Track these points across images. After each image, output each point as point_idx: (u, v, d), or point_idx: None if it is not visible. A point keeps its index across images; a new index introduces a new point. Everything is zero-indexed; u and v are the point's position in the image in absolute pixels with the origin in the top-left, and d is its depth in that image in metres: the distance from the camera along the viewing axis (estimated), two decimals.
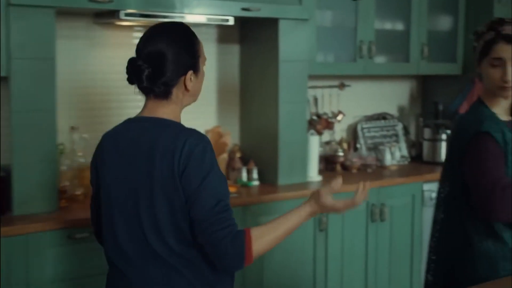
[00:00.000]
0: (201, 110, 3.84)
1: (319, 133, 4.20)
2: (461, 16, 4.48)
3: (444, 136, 4.45)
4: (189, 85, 1.91)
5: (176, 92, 1.91)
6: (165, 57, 1.86)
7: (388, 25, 4.24)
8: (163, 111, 1.91)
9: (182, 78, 1.90)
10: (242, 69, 3.94)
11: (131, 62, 1.90)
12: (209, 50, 3.83)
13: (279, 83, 3.62)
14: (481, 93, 2.29)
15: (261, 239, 1.83)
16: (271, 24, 3.62)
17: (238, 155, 3.84)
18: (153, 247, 1.85)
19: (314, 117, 4.21)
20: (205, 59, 1.99)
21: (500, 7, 4.39)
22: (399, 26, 4.29)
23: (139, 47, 1.92)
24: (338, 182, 2.00)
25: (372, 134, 4.50)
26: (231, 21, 3.42)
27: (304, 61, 3.70)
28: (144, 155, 1.86)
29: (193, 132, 1.88)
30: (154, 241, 1.85)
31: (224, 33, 3.89)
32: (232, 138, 3.90)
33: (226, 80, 3.92)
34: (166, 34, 1.91)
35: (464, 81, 4.49)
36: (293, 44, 3.64)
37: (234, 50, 3.93)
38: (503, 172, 2.09)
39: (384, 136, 4.55)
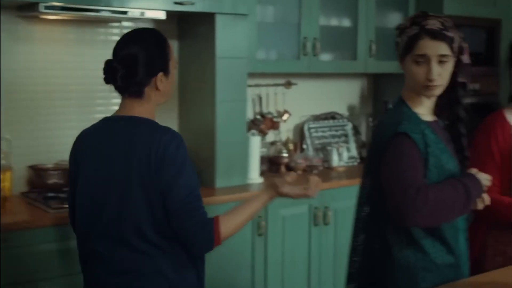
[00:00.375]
0: None
1: (264, 133, 4.05)
2: (411, 12, 4.33)
3: None
4: (160, 85, 2.07)
5: (149, 91, 2.07)
6: (137, 60, 2.04)
7: (334, 21, 4.09)
8: (138, 109, 2.07)
9: (154, 79, 2.06)
10: (180, 66, 3.75)
11: (107, 63, 2.08)
12: None
13: (216, 81, 3.46)
14: (403, 92, 2.14)
15: (228, 224, 2.04)
16: (208, 19, 3.46)
17: None
18: (126, 237, 2.01)
19: (258, 117, 4.06)
20: (175, 61, 2.16)
21: (450, 3, 4.27)
22: (346, 23, 4.14)
23: (115, 50, 2.09)
24: (292, 176, 2.19)
25: (320, 134, 4.36)
26: (163, 16, 3.26)
27: (244, 58, 3.54)
28: (121, 152, 2.02)
29: (167, 130, 2.04)
30: (128, 231, 2.01)
31: (161, 29, 3.63)
32: None
33: None
34: (140, 39, 2.09)
35: None
36: (231, 40, 3.49)
37: (172, 46, 3.75)
38: (420, 175, 1.94)
39: (333, 136, 4.41)
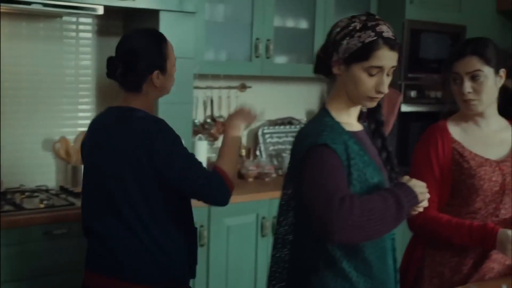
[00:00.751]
0: (78, 109, 3.48)
1: (214, 137, 3.87)
2: None
3: None
4: (156, 82, 2.23)
5: (146, 87, 2.24)
6: (135, 59, 2.19)
7: (290, 23, 3.92)
8: (135, 102, 2.24)
9: (150, 76, 2.22)
10: None
11: (109, 60, 2.25)
12: (87, 43, 3.49)
13: None
14: (329, 99, 1.95)
15: (227, 165, 2.24)
16: (152, 16, 3.27)
17: None
18: (120, 217, 2.19)
19: (209, 120, 3.88)
20: (174, 59, 2.31)
21: (412, 8, 4.13)
22: (303, 24, 3.97)
23: (117, 48, 2.26)
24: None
25: (275, 140, 4.18)
26: (101, 11, 3.06)
27: (190, 59, 3.35)
28: (114, 139, 2.20)
29: (155, 121, 2.20)
30: (123, 212, 2.18)
31: (105, 25, 3.53)
32: None
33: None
34: (138, 39, 2.25)
35: None
36: (176, 39, 3.20)
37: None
38: (344, 184, 1.74)
39: (289, 143, 4.23)
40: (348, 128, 1.87)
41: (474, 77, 2.16)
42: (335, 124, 1.84)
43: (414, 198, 1.79)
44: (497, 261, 2.20)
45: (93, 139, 2.31)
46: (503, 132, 2.28)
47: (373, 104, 1.89)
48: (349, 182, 1.76)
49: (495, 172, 2.17)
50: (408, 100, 4.20)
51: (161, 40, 2.28)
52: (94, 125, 2.35)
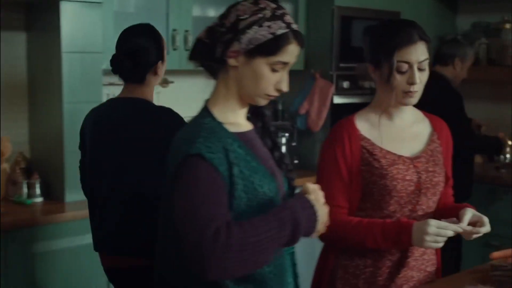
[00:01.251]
0: None
1: None
2: (301, 4, 3.98)
3: (284, 140, 3.96)
4: (159, 71, 2.39)
5: (149, 77, 2.38)
6: (142, 53, 2.34)
7: (210, 12, 3.67)
8: (138, 92, 2.37)
9: (154, 66, 2.37)
10: (29, 61, 3.30)
11: (113, 57, 2.37)
12: None
13: (62, 78, 3.02)
14: (212, 96, 1.71)
15: None
16: (53, 7, 3.00)
17: (22, 165, 3.19)
18: (127, 198, 2.30)
19: None
20: (166, 48, 2.45)
21: None
22: None
23: (119, 44, 2.40)
24: None
25: None
26: None
27: (97, 53, 3.10)
28: (125, 126, 2.32)
29: (165, 110, 2.35)
30: (130, 193, 2.30)
31: (6, 19, 3.23)
32: (19, 145, 3.25)
33: (10, 74, 3.27)
34: (139, 33, 2.39)
35: (305, 78, 4.00)
36: (81, 32, 3.04)
37: (20, 38, 3.29)
38: (222, 208, 1.48)
39: None
40: (234, 129, 1.60)
41: (422, 65, 1.92)
42: (216, 126, 1.57)
43: (313, 222, 1.55)
44: (416, 268, 1.98)
45: (102, 129, 2.36)
46: (419, 124, 2.05)
47: (266, 102, 1.66)
48: (232, 196, 1.50)
49: (409, 170, 1.94)
50: (340, 91, 3.99)
51: (158, 33, 2.44)
52: (100, 116, 2.40)
